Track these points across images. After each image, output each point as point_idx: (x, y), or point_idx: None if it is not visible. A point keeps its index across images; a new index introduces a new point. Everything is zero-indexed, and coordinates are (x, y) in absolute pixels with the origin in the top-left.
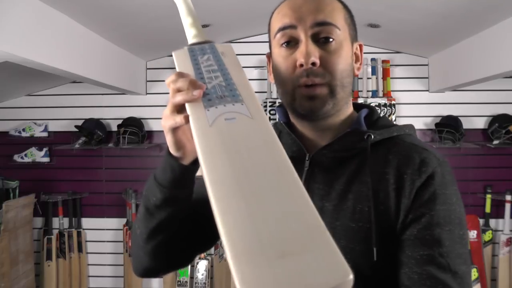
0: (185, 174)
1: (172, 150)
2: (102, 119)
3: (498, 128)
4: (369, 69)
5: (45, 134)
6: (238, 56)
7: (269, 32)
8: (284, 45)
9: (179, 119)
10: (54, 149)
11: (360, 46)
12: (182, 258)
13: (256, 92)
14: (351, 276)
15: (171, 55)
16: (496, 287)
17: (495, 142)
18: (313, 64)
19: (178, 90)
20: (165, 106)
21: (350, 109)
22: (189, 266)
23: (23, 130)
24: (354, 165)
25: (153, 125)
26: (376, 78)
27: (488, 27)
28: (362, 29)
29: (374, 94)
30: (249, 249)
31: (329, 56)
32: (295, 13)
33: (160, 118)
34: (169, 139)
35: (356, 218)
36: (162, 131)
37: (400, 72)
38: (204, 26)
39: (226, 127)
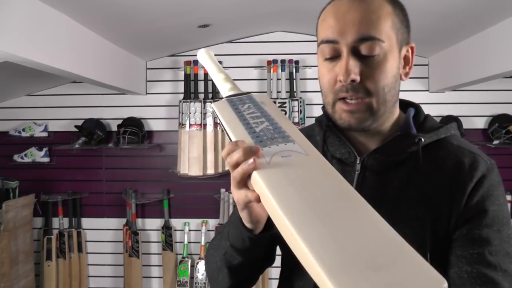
0: (263, 239)
1: (247, 224)
2: (102, 119)
3: (498, 128)
4: None
5: (45, 134)
6: (238, 56)
7: (316, 31)
8: (327, 56)
9: (250, 194)
10: (54, 149)
11: (412, 48)
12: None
13: (256, 92)
14: (446, 284)
15: (171, 55)
16: None
17: (495, 142)
18: (353, 81)
19: (236, 164)
20: (165, 106)
21: (396, 113)
22: (189, 266)
23: (23, 130)
24: (406, 170)
25: (153, 125)
26: None
27: (488, 27)
28: None
29: None
30: (341, 263)
31: (370, 71)
32: (338, 23)
33: (160, 118)
34: (244, 215)
35: (411, 225)
36: (162, 131)
37: None
38: (204, 26)
39: (284, 163)
